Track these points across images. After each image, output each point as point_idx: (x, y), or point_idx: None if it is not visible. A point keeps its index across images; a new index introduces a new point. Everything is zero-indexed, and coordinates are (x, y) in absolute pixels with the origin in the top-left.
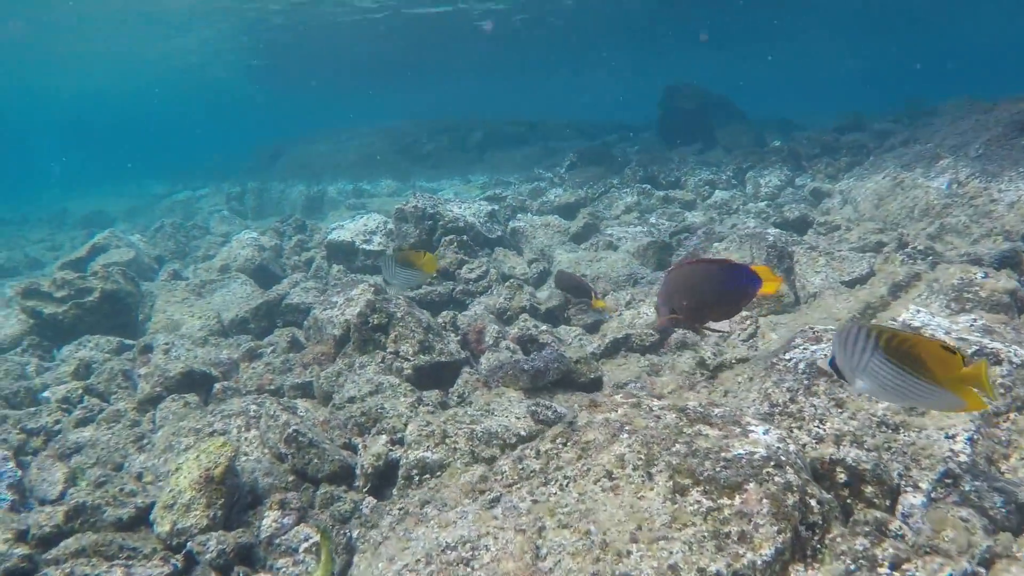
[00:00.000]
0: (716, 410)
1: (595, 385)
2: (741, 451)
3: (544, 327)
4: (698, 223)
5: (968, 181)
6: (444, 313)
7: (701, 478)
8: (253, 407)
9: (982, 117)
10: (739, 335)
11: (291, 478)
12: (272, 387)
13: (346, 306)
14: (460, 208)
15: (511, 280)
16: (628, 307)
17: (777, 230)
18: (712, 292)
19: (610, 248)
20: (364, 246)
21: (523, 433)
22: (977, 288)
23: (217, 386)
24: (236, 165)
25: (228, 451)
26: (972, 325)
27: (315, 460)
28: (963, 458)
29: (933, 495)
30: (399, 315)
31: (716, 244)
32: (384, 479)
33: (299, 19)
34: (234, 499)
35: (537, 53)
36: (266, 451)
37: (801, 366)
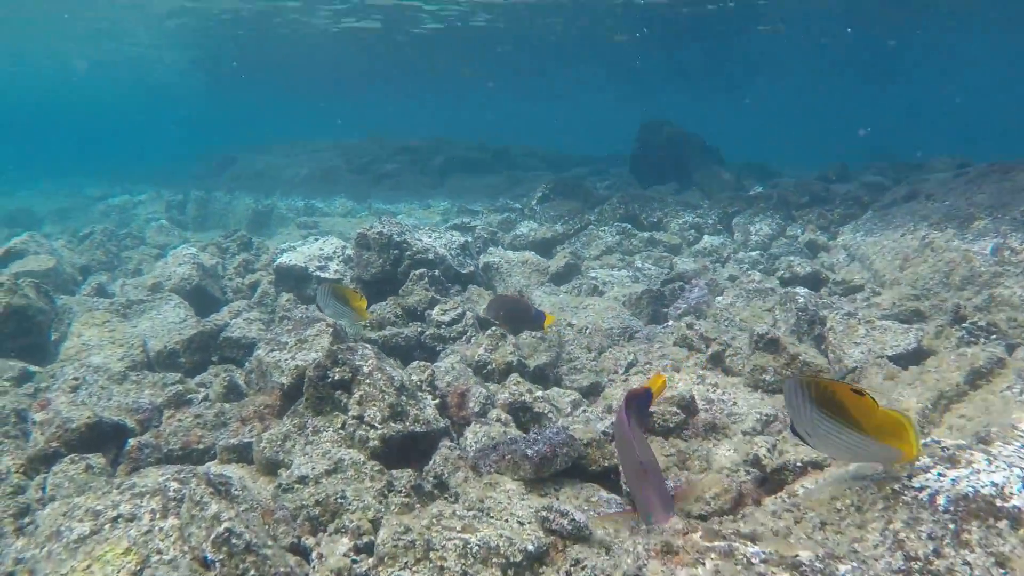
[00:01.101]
0: (841, 567)
1: (608, 475)
2: None
3: (539, 392)
4: (689, 270)
5: (1023, 249)
6: (415, 365)
7: None
8: (174, 485)
9: (1010, 177)
10: None
11: None
12: (201, 446)
13: (298, 349)
14: (430, 238)
15: (492, 328)
16: (632, 370)
17: (806, 290)
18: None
19: (595, 293)
20: (318, 273)
21: (531, 548)
22: None
23: (132, 442)
24: (181, 171)
25: (133, 562)
26: None
27: (252, 572)
28: None
29: None
30: (366, 370)
31: (719, 298)
32: None
33: (257, 23)
34: None
35: (508, 78)
36: (187, 550)
37: (942, 501)
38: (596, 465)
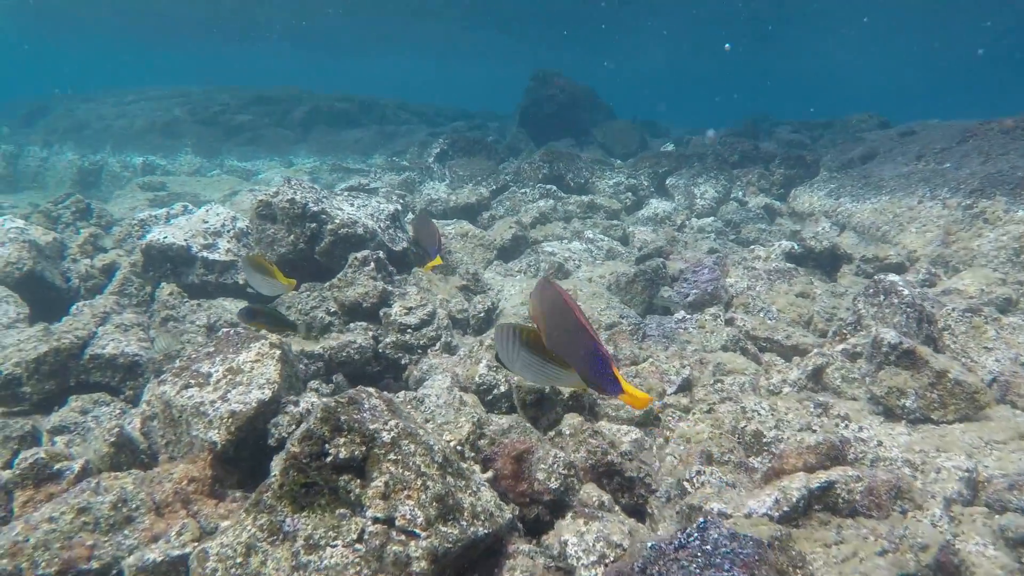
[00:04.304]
0: None
1: None
2: None
3: (625, 442)
4: (656, 242)
5: None
6: (405, 399)
7: None
8: None
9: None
10: None
11: None
12: (95, 565)
13: (230, 385)
14: (352, 207)
15: (500, 328)
16: (698, 392)
17: (901, 277)
18: (566, 347)
19: (559, 273)
20: (205, 254)
21: None
22: None
23: None
24: None
25: None
26: None
27: None
28: None
29: None
30: (387, 437)
31: (730, 280)
32: None
33: None
34: None
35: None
36: None
37: None
38: None
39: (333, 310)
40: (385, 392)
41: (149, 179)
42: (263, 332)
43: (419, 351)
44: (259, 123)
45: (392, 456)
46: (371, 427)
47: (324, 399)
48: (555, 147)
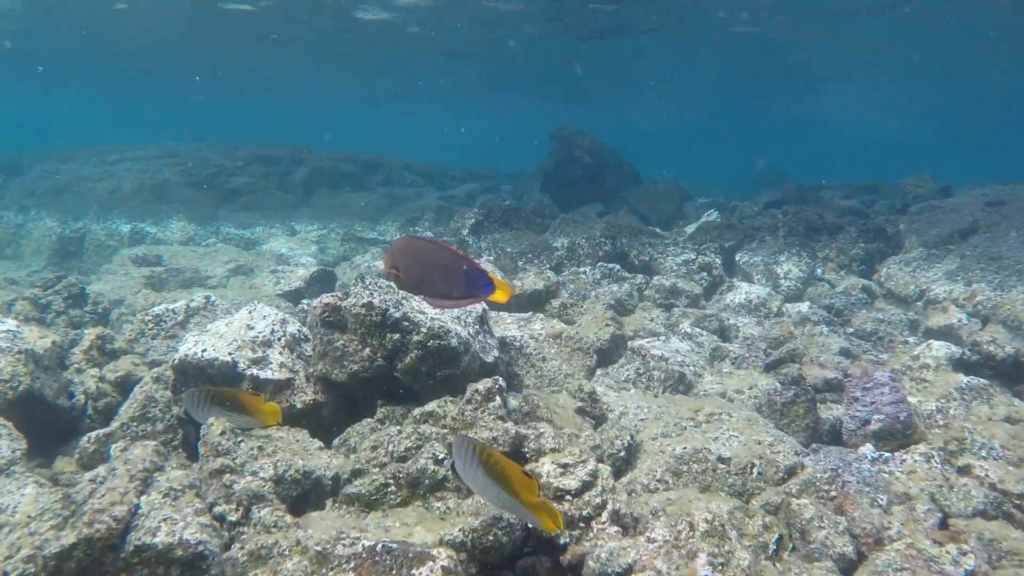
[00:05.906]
0: None
1: None
2: None
3: None
4: (764, 335)
5: None
6: None
7: None
8: None
9: None
10: None
11: None
12: None
13: None
14: (438, 311)
15: (688, 513)
16: None
17: None
18: (440, 281)
19: (679, 385)
20: (255, 371)
21: None
22: None
23: None
24: None
25: None
26: None
27: None
28: None
29: None
30: None
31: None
32: None
33: None
34: None
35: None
36: None
37: None
38: None
39: (442, 457)
40: None
41: (141, 251)
42: (431, 549)
43: (581, 524)
44: (257, 186)
45: None
46: None
47: None
48: (545, 211)
